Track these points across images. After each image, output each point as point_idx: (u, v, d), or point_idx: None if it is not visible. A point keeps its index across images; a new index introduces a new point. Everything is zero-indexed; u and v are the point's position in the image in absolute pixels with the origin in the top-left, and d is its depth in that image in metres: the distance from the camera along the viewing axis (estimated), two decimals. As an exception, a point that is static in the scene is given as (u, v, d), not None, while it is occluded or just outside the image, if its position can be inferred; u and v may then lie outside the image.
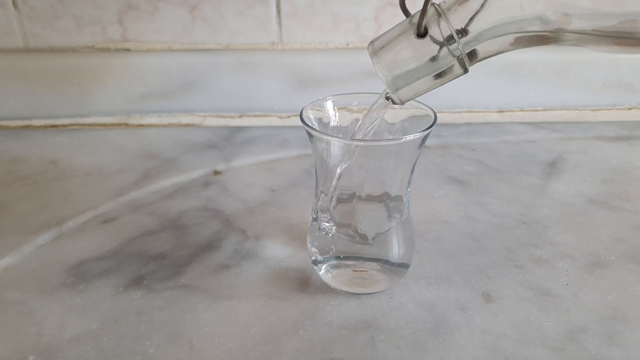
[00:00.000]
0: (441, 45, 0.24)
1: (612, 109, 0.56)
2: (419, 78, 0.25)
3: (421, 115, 0.29)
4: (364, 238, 0.29)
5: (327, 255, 0.30)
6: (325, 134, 0.26)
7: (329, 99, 0.30)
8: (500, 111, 0.56)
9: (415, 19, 0.24)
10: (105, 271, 0.33)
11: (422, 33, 0.24)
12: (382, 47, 0.25)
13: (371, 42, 0.25)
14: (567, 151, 0.49)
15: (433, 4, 0.24)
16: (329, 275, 0.30)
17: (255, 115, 0.56)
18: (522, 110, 0.56)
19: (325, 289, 0.31)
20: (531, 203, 0.40)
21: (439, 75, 0.24)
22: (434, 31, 0.23)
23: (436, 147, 0.50)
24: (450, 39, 0.23)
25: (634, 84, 0.55)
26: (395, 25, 0.25)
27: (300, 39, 0.54)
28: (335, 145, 0.27)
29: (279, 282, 0.32)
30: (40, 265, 0.34)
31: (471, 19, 0.23)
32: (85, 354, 0.27)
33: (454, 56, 0.24)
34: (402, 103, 0.26)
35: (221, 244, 0.36)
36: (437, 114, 0.28)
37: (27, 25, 0.53)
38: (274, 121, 0.56)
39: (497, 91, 0.55)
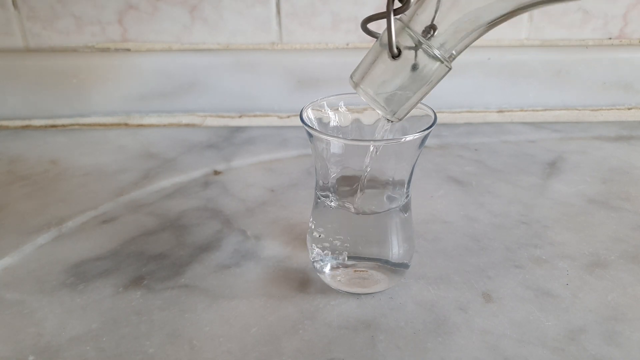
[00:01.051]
0: (416, 52, 0.24)
1: (612, 109, 0.56)
2: (407, 91, 0.25)
3: (421, 115, 0.29)
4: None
5: (327, 255, 0.30)
6: (325, 134, 0.26)
7: (329, 99, 0.30)
8: (500, 111, 0.56)
9: (385, 40, 0.24)
10: (105, 271, 0.33)
11: (395, 54, 0.24)
12: (363, 78, 0.25)
13: (350, 76, 0.26)
14: (567, 151, 0.49)
15: (395, 20, 0.24)
16: (329, 275, 0.30)
17: (255, 115, 0.56)
18: (522, 110, 0.56)
19: (325, 289, 0.31)
20: (531, 203, 0.40)
21: (425, 82, 0.25)
22: (404, 44, 0.24)
23: (436, 147, 0.50)
24: (421, 44, 0.23)
25: (634, 84, 0.55)
26: (367, 52, 0.25)
27: (300, 39, 0.54)
28: (335, 145, 0.27)
29: (279, 282, 0.32)
30: (40, 265, 0.34)
31: (434, 18, 0.23)
32: (85, 354, 0.27)
33: (433, 57, 0.24)
34: (400, 119, 0.26)
35: (221, 244, 0.36)
36: (437, 114, 0.28)
37: (27, 25, 0.53)
38: (274, 121, 0.56)
39: (497, 91, 0.55)
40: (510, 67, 0.54)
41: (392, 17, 0.23)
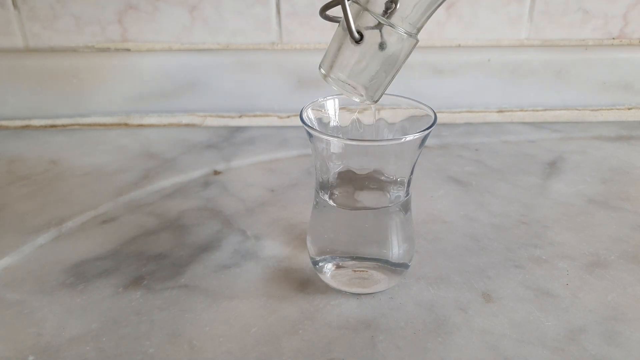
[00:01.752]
0: (381, 32, 0.23)
1: (612, 109, 0.56)
2: (379, 72, 0.25)
3: (421, 115, 0.29)
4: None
5: (327, 255, 0.30)
6: (325, 134, 0.26)
7: (329, 99, 0.30)
8: (500, 111, 0.56)
9: (345, 25, 0.24)
10: (105, 271, 0.33)
11: (357, 38, 0.23)
12: (331, 67, 0.25)
13: (319, 66, 0.25)
14: (567, 151, 0.49)
15: (352, 4, 0.23)
16: (329, 275, 0.30)
17: (255, 115, 0.56)
18: (522, 110, 0.56)
19: (325, 289, 0.31)
20: (531, 203, 0.40)
21: (395, 59, 0.24)
22: (365, 26, 0.23)
23: (436, 147, 0.50)
24: (382, 24, 0.23)
25: (634, 84, 0.55)
26: (331, 40, 0.25)
27: (300, 39, 0.54)
28: (335, 145, 0.27)
29: (279, 282, 0.32)
30: (40, 265, 0.34)
31: None
32: (85, 354, 0.27)
33: (397, 34, 0.23)
34: (377, 101, 0.26)
35: (221, 244, 0.36)
36: (437, 114, 0.28)
37: (27, 25, 0.53)
38: (274, 121, 0.56)
39: (497, 91, 0.55)
40: (510, 67, 0.54)
41: (347, 2, 0.23)
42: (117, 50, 0.55)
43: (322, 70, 0.25)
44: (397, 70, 0.25)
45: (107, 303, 0.30)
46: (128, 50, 0.55)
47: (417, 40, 0.24)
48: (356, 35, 0.23)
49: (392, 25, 0.23)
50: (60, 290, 0.31)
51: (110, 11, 0.53)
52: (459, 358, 0.26)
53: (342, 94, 0.29)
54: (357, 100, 0.26)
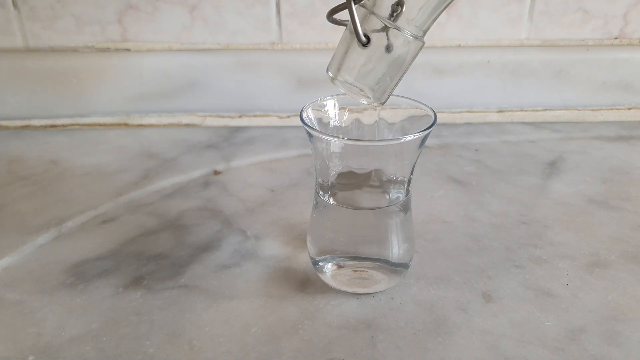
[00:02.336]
0: (387, 35, 0.24)
1: (612, 109, 0.56)
2: (386, 74, 0.25)
3: (421, 115, 0.29)
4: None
5: (327, 255, 0.30)
6: (325, 134, 0.26)
7: (329, 99, 0.30)
8: (500, 111, 0.56)
9: (352, 28, 0.24)
10: (105, 271, 0.33)
11: (363, 42, 0.24)
12: (339, 69, 0.25)
13: (326, 69, 0.26)
14: (567, 151, 0.49)
15: (358, 7, 0.24)
16: (329, 275, 0.30)
17: (255, 115, 0.56)
18: (522, 110, 0.56)
19: (325, 289, 0.31)
20: (531, 203, 0.40)
21: (402, 62, 0.24)
22: (372, 29, 0.24)
23: (436, 147, 0.50)
24: (388, 28, 0.23)
25: (634, 84, 0.55)
26: (338, 43, 0.25)
27: (300, 39, 0.54)
28: (335, 145, 0.27)
29: (279, 282, 0.32)
30: (40, 265, 0.34)
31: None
32: (85, 354, 0.27)
33: (403, 37, 0.24)
34: (384, 103, 0.26)
35: (221, 244, 0.36)
36: (437, 114, 0.28)
37: (27, 25, 0.53)
38: (274, 121, 0.56)
39: (497, 91, 0.55)
40: (510, 67, 0.54)
41: (353, 6, 0.23)
42: (117, 50, 0.55)
43: (330, 73, 0.26)
44: (404, 73, 0.25)
45: (107, 303, 0.30)
46: (128, 50, 0.55)
47: (424, 43, 0.24)
48: (363, 38, 0.23)
49: (398, 28, 0.23)
50: (60, 290, 0.31)
51: (110, 11, 0.53)
52: (459, 358, 0.26)
53: (342, 94, 0.30)
54: (364, 102, 0.26)
